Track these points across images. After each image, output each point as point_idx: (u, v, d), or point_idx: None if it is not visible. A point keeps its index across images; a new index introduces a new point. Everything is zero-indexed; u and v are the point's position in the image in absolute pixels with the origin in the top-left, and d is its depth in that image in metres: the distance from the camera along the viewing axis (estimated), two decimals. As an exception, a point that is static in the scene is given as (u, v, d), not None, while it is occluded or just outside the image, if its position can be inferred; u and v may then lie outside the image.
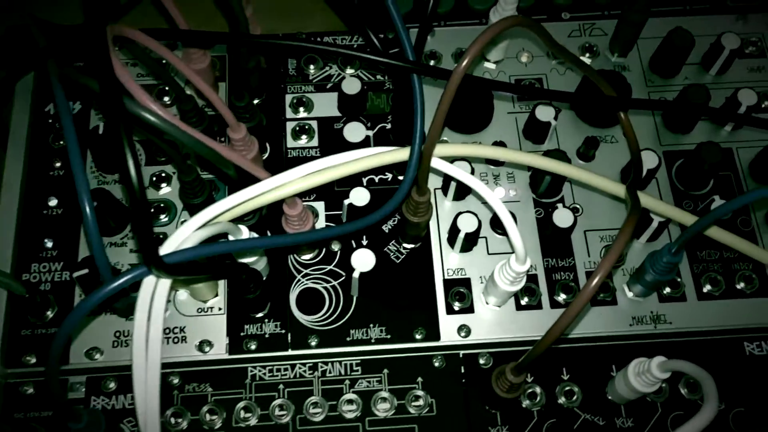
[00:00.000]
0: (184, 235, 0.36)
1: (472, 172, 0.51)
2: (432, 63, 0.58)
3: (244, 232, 0.43)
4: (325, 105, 0.56)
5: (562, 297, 0.50)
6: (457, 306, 0.50)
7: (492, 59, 0.58)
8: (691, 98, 0.53)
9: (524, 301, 0.50)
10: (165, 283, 0.35)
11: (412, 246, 0.52)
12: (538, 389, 0.48)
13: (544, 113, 0.53)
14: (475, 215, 0.50)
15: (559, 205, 0.51)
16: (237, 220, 0.44)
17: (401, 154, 0.43)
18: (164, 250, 0.35)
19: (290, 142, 0.55)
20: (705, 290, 0.51)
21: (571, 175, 0.46)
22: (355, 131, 0.52)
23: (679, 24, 0.58)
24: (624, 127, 0.50)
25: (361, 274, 0.48)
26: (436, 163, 0.43)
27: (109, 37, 0.35)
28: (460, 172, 0.43)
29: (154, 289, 0.35)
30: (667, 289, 0.51)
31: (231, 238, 0.43)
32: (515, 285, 0.46)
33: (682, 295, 0.51)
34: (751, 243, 0.48)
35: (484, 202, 0.51)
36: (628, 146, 0.50)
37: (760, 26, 0.60)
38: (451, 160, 0.49)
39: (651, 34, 0.58)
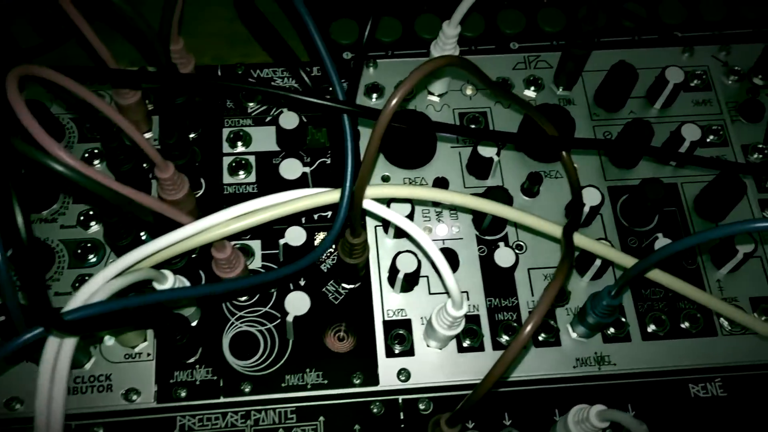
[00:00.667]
0: (93, 288, 0.34)
1: (412, 209, 0.49)
2: (374, 96, 0.57)
3: (170, 279, 0.41)
4: (264, 139, 0.55)
5: (504, 338, 0.49)
6: (397, 349, 0.48)
7: (436, 92, 0.57)
8: (633, 134, 0.52)
9: (466, 343, 0.49)
10: (70, 340, 0.33)
11: (351, 286, 0.50)
12: (477, 436, 0.46)
13: (486, 150, 0.52)
14: (415, 255, 0.48)
15: (501, 244, 0.50)
16: (165, 263, 0.42)
17: (332, 196, 0.41)
18: (71, 305, 0.33)
19: (227, 178, 0.53)
20: (649, 330, 0.50)
21: (505, 215, 0.45)
22: (291, 168, 0.50)
23: (625, 56, 0.58)
24: (565, 166, 0.49)
25: (296, 317, 0.46)
26: (368, 204, 0.42)
27: (13, 79, 0.33)
28: (392, 214, 0.42)
29: (59, 346, 0.33)
30: (612, 330, 0.49)
31: (156, 285, 0.41)
32: (453, 329, 0.45)
33: (626, 335, 0.50)
34: (691, 285, 0.47)
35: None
36: (570, 186, 0.49)
37: (706, 59, 0.60)
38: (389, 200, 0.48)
39: (597, 66, 0.58)
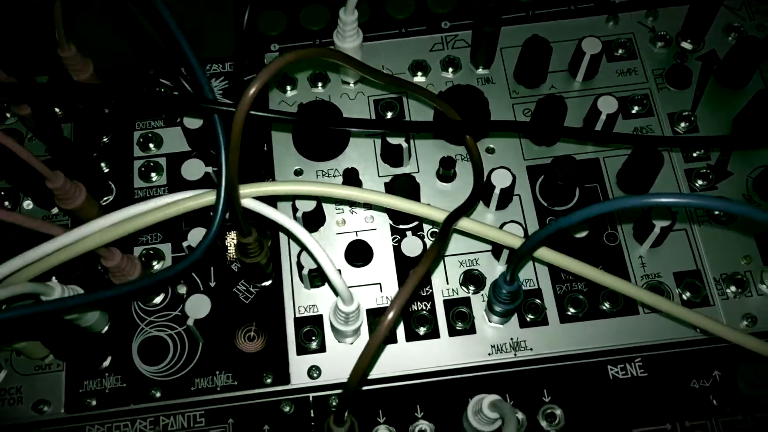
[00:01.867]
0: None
1: (318, 202, 0.48)
2: (288, 88, 0.56)
3: (56, 290, 0.41)
4: (176, 140, 0.54)
5: (422, 329, 0.48)
6: (309, 345, 0.48)
7: (350, 80, 0.56)
8: (546, 111, 0.51)
9: (379, 336, 0.48)
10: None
11: (263, 285, 0.49)
12: (385, 430, 0.45)
13: (395, 138, 0.50)
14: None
15: (408, 233, 0.49)
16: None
17: (206, 198, 0.40)
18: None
19: (138, 182, 0.53)
20: (568, 312, 0.48)
21: (391, 204, 0.44)
22: (192, 169, 0.50)
23: (549, 29, 0.56)
24: (469, 149, 0.48)
25: (203, 319, 0.46)
26: (250, 203, 0.41)
27: None
28: (272, 212, 0.41)
29: None
30: (530, 316, 0.48)
31: (42, 297, 0.41)
32: (351, 324, 0.44)
33: (543, 318, 0.48)
34: (581, 262, 0.45)
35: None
36: (473, 170, 0.48)
37: (632, 26, 0.58)
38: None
39: (517, 42, 0.56)
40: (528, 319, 0.48)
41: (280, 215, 0.41)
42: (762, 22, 0.57)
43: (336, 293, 0.41)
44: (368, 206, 0.52)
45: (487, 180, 0.49)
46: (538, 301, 0.48)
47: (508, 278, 0.42)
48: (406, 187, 0.48)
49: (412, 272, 0.35)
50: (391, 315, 0.34)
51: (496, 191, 0.49)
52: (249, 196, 0.41)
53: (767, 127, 0.51)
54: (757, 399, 0.44)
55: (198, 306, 0.45)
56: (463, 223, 0.43)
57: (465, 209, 0.44)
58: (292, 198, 0.49)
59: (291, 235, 0.46)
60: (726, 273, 0.49)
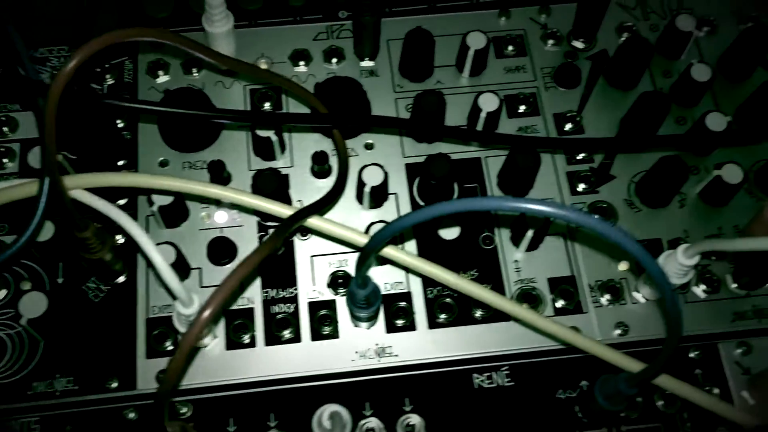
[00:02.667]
0: None
1: (179, 195, 0.45)
2: (161, 73, 0.52)
3: None
4: (33, 125, 0.50)
5: (286, 333, 0.46)
6: (162, 348, 0.45)
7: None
8: (424, 107, 0.48)
9: (237, 341, 0.45)
10: None
11: (115, 282, 0.46)
12: (234, 441, 0.43)
13: (263, 130, 0.48)
14: (174, 246, 0.44)
15: (270, 231, 0.46)
16: None
17: (28, 188, 0.37)
18: None
19: (-12, 169, 0.49)
20: (438, 318, 0.46)
21: (237, 200, 0.41)
22: (39, 156, 0.46)
23: (439, 22, 0.54)
24: (336, 144, 0.45)
25: (39, 318, 0.42)
26: (80, 195, 0.38)
27: None
28: (103, 205, 0.38)
29: None
30: (398, 321, 0.46)
31: None
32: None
33: (412, 323, 0.46)
34: (435, 265, 0.43)
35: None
36: (338, 166, 0.45)
37: (524, 22, 0.56)
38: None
39: (403, 34, 0.54)
40: (395, 324, 0.46)
41: (112, 209, 0.38)
42: (655, 22, 0.56)
43: (173, 296, 0.38)
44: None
45: (359, 177, 0.47)
46: (405, 305, 0.46)
47: (359, 282, 0.39)
48: (268, 182, 0.45)
49: (235, 268, 0.33)
50: (206, 314, 0.31)
51: (367, 189, 0.47)
52: (79, 187, 0.37)
53: (651, 129, 0.50)
54: (616, 413, 0.42)
55: (33, 304, 0.42)
56: (311, 220, 0.41)
57: (317, 207, 0.41)
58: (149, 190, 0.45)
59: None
60: (601, 280, 0.48)
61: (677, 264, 0.41)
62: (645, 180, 0.49)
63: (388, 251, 0.41)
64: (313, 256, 0.48)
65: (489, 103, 0.49)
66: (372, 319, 0.45)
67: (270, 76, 0.45)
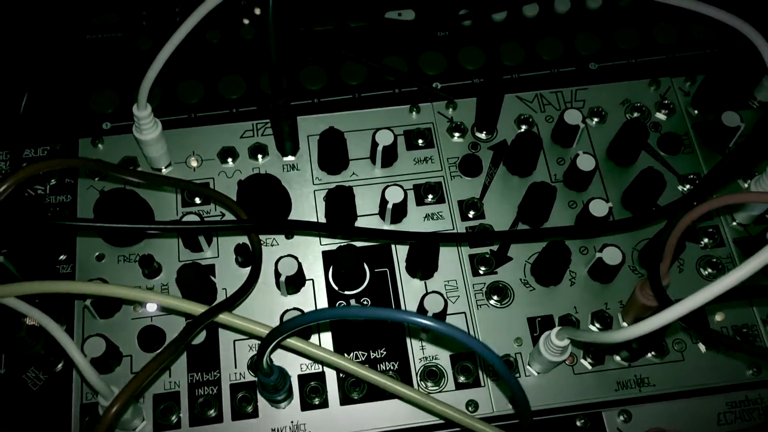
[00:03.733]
0: None
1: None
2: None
3: None
4: (-20, 225, 0.55)
5: (207, 414, 0.50)
6: (94, 432, 0.49)
7: (160, 165, 0.58)
8: (336, 203, 0.54)
9: (164, 422, 0.49)
10: None
11: (53, 371, 0.51)
12: None
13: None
14: (104, 337, 0.49)
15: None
16: None
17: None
18: None
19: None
20: (351, 395, 0.51)
21: (151, 300, 0.46)
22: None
23: (354, 117, 0.60)
24: (251, 242, 0.51)
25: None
26: (11, 302, 0.42)
27: None
28: (28, 309, 0.42)
29: None
30: (312, 399, 0.50)
31: None
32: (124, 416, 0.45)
33: (324, 401, 0.51)
34: (331, 352, 0.48)
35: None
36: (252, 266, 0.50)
37: (432, 116, 0.61)
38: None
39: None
40: (309, 402, 0.50)
41: (38, 314, 0.42)
42: (551, 113, 0.61)
43: (95, 391, 0.42)
44: (165, 287, 0.53)
45: (276, 267, 0.52)
46: (317, 383, 0.51)
47: (263, 370, 0.44)
48: (188, 276, 0.50)
49: (137, 373, 0.37)
50: (110, 413, 0.36)
51: (282, 279, 0.51)
52: (10, 295, 0.42)
53: (542, 214, 0.56)
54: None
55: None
56: (221, 316, 0.46)
57: (226, 305, 0.46)
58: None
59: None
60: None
61: (552, 345, 0.46)
62: (537, 262, 0.54)
63: (293, 342, 0.46)
64: (235, 341, 0.52)
65: (394, 195, 0.54)
66: (287, 398, 0.49)
67: (193, 187, 0.50)
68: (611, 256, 0.53)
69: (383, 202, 0.55)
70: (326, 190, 0.57)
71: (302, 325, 0.39)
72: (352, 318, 0.38)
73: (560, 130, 0.59)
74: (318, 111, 0.61)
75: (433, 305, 0.51)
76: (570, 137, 0.59)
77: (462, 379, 0.51)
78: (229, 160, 0.59)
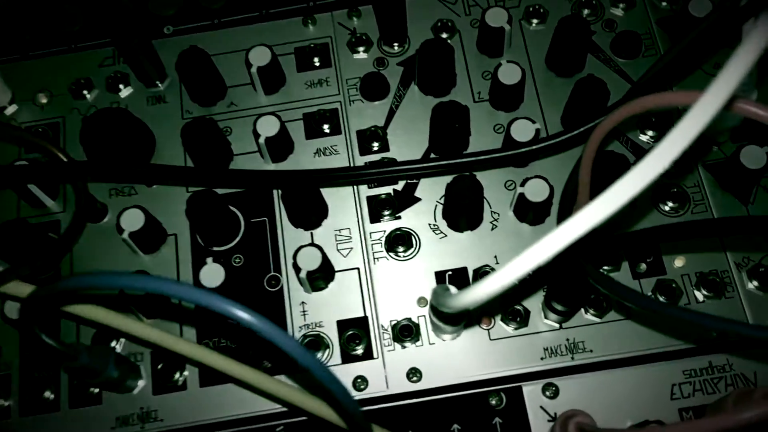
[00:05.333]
0: None
1: None
2: None
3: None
4: None
5: (45, 397, 0.41)
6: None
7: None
8: (193, 138, 0.43)
9: (-10, 411, 0.41)
10: None
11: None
12: None
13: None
14: None
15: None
16: None
17: None
18: None
19: None
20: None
21: None
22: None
23: (238, 34, 0.50)
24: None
25: None
26: None
27: None
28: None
29: None
30: (166, 381, 0.42)
31: None
32: None
33: (184, 382, 0.42)
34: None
35: None
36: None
37: (331, 29, 0.50)
38: None
39: (197, 53, 0.49)
40: (164, 385, 0.42)
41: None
42: (477, 16, 0.49)
43: None
44: None
45: (118, 221, 0.43)
46: (172, 363, 0.42)
47: (67, 351, 0.35)
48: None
49: None
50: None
51: (125, 236, 0.42)
52: None
53: (455, 144, 0.45)
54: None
55: None
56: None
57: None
58: None
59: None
60: (396, 320, 0.42)
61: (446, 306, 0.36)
62: (447, 202, 0.43)
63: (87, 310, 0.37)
64: (79, 312, 0.43)
65: (267, 127, 0.44)
66: (126, 380, 0.40)
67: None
68: (535, 190, 0.42)
69: (255, 135, 0.44)
70: (198, 126, 0.47)
71: (53, 292, 0.29)
72: (124, 288, 0.28)
73: (484, 35, 0.47)
74: (187, 31, 0.51)
75: (307, 261, 0.41)
76: (497, 44, 0.47)
77: (353, 350, 0.42)
78: (85, 93, 0.49)
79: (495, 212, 0.44)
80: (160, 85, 0.49)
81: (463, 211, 0.42)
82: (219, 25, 0.51)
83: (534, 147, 0.41)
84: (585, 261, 0.34)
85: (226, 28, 0.50)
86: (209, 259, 0.42)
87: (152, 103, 0.49)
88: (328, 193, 0.45)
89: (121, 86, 0.49)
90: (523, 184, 0.42)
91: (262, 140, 0.44)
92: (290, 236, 0.45)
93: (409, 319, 0.42)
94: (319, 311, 0.43)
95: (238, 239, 0.45)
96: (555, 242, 0.23)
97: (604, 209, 0.22)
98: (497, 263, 0.43)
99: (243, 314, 0.24)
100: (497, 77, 0.44)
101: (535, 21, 0.49)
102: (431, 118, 0.44)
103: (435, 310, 0.38)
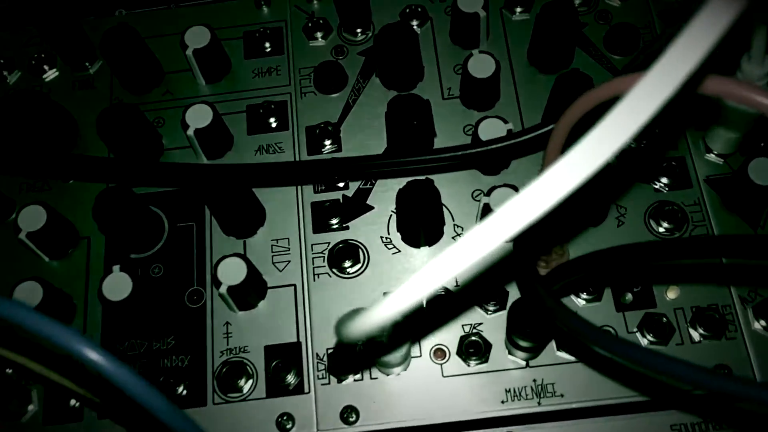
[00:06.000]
0: None
1: None
2: None
3: None
4: None
5: None
6: None
7: None
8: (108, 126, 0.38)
9: None
10: None
11: None
12: None
13: None
14: None
15: None
16: None
17: None
18: None
19: None
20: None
21: None
22: None
23: (183, 15, 0.44)
24: None
25: None
26: None
27: None
28: None
29: None
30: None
31: None
32: None
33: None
34: None
35: None
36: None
37: (285, 11, 0.44)
38: None
39: (133, 34, 0.43)
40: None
41: None
42: (451, 3, 0.43)
43: None
44: None
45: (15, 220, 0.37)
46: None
47: None
48: None
49: None
50: None
51: (22, 235, 0.36)
52: None
53: (416, 145, 0.38)
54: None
55: None
56: None
57: None
58: None
59: None
60: (334, 348, 0.36)
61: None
62: (398, 211, 0.37)
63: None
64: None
65: (199, 118, 0.38)
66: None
67: None
68: (503, 200, 0.35)
69: (184, 127, 0.38)
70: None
71: None
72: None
73: (457, 23, 0.41)
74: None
75: (230, 274, 0.35)
76: (471, 33, 0.41)
77: (281, 382, 0.35)
78: (6, 75, 0.43)
79: (459, 225, 0.38)
80: (89, 68, 0.43)
81: (417, 223, 0.36)
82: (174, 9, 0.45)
83: (492, 147, 0.35)
84: (537, 283, 0.27)
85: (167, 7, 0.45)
86: (116, 267, 0.35)
87: (79, 87, 0.43)
88: (266, 197, 0.39)
89: (46, 68, 0.43)
90: (489, 194, 0.36)
91: (191, 132, 0.38)
92: (220, 245, 0.38)
93: (348, 349, 0.36)
94: (246, 334, 0.36)
95: (159, 246, 0.39)
96: (454, 260, 0.17)
97: (516, 220, 0.16)
98: (457, 285, 0.37)
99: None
100: (467, 70, 0.38)
101: (518, 9, 0.43)
102: (386, 114, 0.38)
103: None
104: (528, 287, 0.29)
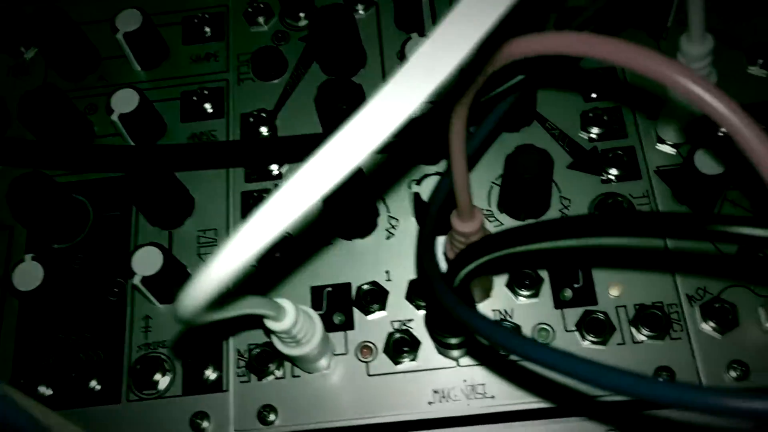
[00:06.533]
0: None
1: None
2: None
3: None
4: None
5: None
6: None
7: None
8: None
9: None
10: None
11: None
12: None
13: None
14: None
15: None
16: None
17: None
18: None
19: None
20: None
21: None
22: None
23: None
24: None
25: None
26: None
27: None
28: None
29: None
30: None
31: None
32: None
33: None
34: None
35: None
36: None
37: (232, -3, 0.43)
38: None
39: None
40: None
41: None
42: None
43: None
44: None
45: None
46: None
47: None
48: None
49: None
50: None
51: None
52: None
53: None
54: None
55: None
56: None
57: None
58: None
59: None
60: (256, 344, 0.34)
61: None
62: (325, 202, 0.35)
63: None
64: None
65: (123, 102, 0.37)
66: None
67: None
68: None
69: (108, 112, 0.37)
70: (60, 101, 0.40)
71: None
72: None
73: (400, 6, 0.39)
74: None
75: (146, 264, 0.33)
76: (415, 16, 0.39)
77: (200, 378, 0.33)
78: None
79: (393, 217, 0.36)
80: (24, 53, 0.42)
81: (347, 216, 0.34)
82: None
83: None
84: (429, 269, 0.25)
85: (105, -8, 0.43)
86: (28, 257, 0.34)
87: (7, 74, 0.42)
88: (195, 186, 0.37)
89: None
90: (419, 182, 0.34)
91: (115, 117, 0.36)
92: (145, 235, 0.37)
93: (272, 344, 0.34)
94: (166, 328, 0.35)
95: (82, 236, 0.37)
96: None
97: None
98: (389, 280, 0.35)
99: None
100: (405, 56, 0.36)
101: (469, -6, 0.41)
102: (316, 99, 0.36)
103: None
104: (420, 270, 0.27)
